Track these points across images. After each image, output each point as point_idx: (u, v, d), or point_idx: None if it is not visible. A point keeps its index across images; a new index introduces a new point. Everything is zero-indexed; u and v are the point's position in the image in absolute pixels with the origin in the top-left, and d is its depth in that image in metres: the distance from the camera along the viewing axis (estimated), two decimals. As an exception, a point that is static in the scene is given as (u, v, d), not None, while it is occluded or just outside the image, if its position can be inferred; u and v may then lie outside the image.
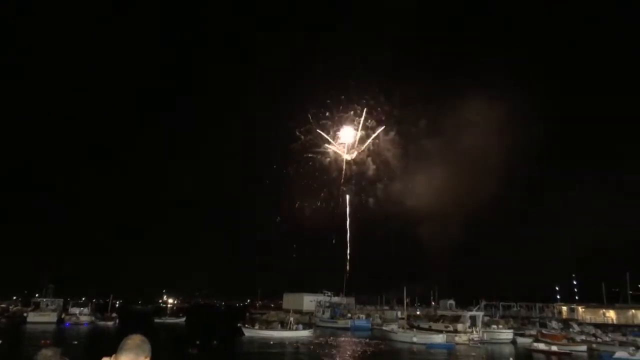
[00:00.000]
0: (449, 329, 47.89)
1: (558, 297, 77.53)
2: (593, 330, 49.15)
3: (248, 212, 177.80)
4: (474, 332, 45.30)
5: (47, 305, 63.52)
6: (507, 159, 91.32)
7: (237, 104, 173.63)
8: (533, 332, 49.34)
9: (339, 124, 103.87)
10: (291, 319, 53.44)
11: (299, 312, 74.82)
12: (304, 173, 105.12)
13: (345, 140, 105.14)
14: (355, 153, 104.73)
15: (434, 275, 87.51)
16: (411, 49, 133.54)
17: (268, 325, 53.96)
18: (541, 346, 40.00)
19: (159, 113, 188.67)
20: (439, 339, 44.23)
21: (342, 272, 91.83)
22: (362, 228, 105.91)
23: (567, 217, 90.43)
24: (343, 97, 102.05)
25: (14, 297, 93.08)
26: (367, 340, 48.35)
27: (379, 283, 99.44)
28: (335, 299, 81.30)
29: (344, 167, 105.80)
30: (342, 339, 49.05)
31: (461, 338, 44.23)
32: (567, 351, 38.88)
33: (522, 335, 48.95)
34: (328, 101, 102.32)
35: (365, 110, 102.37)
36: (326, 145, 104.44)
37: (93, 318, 60.67)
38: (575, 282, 78.46)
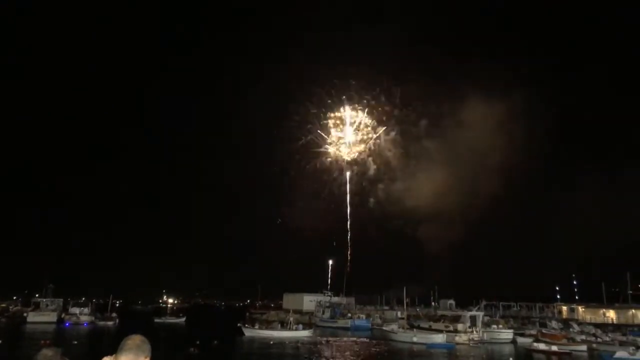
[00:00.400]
0: (449, 329, 47.88)
1: (558, 297, 77.61)
2: (593, 330, 49.10)
3: (248, 212, 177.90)
4: (474, 332, 45.30)
5: (47, 305, 63.54)
6: (507, 159, 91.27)
7: (237, 104, 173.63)
8: (533, 332, 49.30)
9: (339, 123, 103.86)
10: (291, 319, 53.44)
11: (299, 312, 74.81)
12: (305, 173, 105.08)
13: (346, 140, 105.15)
14: (356, 153, 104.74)
15: (434, 275, 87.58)
16: (412, 49, 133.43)
17: (268, 325, 53.99)
18: (541, 346, 39.97)
19: (158, 113, 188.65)
20: (439, 339, 44.21)
21: (342, 272, 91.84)
22: (362, 228, 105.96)
23: (568, 217, 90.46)
24: (344, 97, 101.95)
25: (14, 297, 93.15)
26: (367, 340, 48.36)
27: (379, 283, 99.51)
28: (335, 299, 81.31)
29: (344, 167, 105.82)
30: (342, 339, 49.05)
31: (461, 338, 44.21)
32: (567, 351, 38.87)
33: (522, 335, 48.92)
34: (329, 101, 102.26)
35: (366, 109, 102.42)
36: (326, 146, 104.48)
37: (93, 318, 60.68)
38: (575, 282, 78.53)
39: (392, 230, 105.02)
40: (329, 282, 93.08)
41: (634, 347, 34.14)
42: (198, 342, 35.85)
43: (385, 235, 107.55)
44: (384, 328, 55.90)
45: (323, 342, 44.46)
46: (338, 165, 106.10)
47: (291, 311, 66.36)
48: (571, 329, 50.09)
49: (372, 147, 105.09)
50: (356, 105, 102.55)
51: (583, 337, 44.79)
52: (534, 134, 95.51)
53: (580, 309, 67.95)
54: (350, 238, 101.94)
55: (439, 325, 50.62)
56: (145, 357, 2.53)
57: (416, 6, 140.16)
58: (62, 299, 68.05)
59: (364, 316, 72.09)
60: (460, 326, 47.22)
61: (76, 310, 61.41)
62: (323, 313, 71.39)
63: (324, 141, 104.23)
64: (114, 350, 2.57)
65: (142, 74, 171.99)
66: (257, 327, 50.56)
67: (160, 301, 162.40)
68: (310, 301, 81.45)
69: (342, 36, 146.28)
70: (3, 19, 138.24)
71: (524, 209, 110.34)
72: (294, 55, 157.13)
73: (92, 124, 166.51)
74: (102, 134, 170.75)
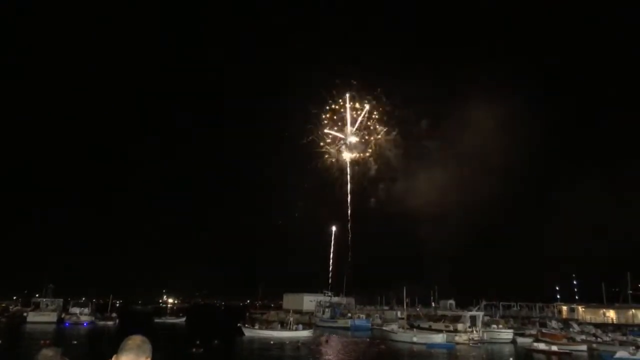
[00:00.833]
0: (449, 329, 47.88)
1: (558, 297, 77.57)
2: (593, 330, 49.12)
3: (248, 212, 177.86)
4: (474, 332, 45.30)
5: (47, 305, 63.52)
6: (507, 159, 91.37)
7: (237, 104, 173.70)
8: (533, 332, 49.31)
9: (341, 123, 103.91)
10: (291, 319, 53.43)
11: (299, 312, 74.80)
12: (306, 173, 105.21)
13: (347, 140, 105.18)
14: (357, 154, 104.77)
15: (434, 275, 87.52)
16: (412, 49, 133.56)
17: (268, 325, 53.99)
18: (541, 346, 39.95)
19: (160, 112, 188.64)
20: (439, 338, 44.21)
21: (343, 272, 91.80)
22: (363, 228, 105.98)
23: (568, 217, 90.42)
24: (346, 96, 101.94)
25: (14, 297, 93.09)
26: (367, 340, 48.35)
27: (379, 283, 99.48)
28: (335, 299, 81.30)
29: (345, 167, 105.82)
30: (342, 339, 49.04)
31: (461, 338, 44.22)
32: (567, 351, 38.86)
33: (522, 335, 48.92)
34: (331, 101, 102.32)
35: (367, 110, 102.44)
36: (327, 147, 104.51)
37: (93, 318, 60.65)
38: (575, 282, 78.45)
39: (393, 230, 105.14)
40: (330, 273, 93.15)
41: (634, 347, 34.12)
42: (198, 342, 35.86)
43: (385, 235, 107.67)
44: (384, 328, 55.90)
45: (323, 342, 44.44)
46: (339, 166, 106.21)
47: (291, 311, 66.34)
48: (571, 329, 50.09)
49: (373, 147, 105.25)
50: (357, 105, 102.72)
51: (583, 337, 44.78)
52: (534, 134, 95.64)
53: (580, 309, 67.96)
54: (351, 238, 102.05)
55: (439, 325, 50.63)
56: (146, 358, 2.52)
57: (417, 6, 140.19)
58: (62, 299, 68.01)
59: (364, 316, 72.08)
60: (460, 326, 47.24)
61: (76, 310, 61.36)
62: (323, 313, 71.38)
63: (325, 141, 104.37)
64: (114, 350, 2.56)
65: (142, 74, 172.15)
66: (257, 327, 50.54)
67: (160, 301, 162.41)
68: (311, 301, 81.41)
69: (343, 36, 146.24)
70: (3, 19, 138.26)
71: (524, 208, 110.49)
72: (294, 55, 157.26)
73: (92, 124, 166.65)
74: (102, 134, 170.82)
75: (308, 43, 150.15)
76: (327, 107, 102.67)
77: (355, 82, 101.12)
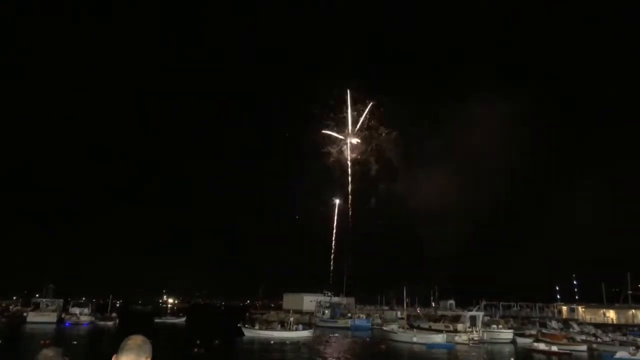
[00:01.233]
0: (449, 329, 47.87)
1: (558, 297, 77.53)
2: (593, 330, 49.12)
3: (248, 212, 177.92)
4: (474, 332, 45.28)
5: (47, 305, 63.44)
6: (508, 160, 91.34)
7: (237, 104, 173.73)
8: (533, 332, 49.31)
9: (342, 123, 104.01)
10: (291, 319, 53.39)
11: (299, 312, 74.80)
12: (306, 173, 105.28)
13: (348, 140, 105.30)
14: (358, 154, 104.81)
15: (434, 275, 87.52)
16: (414, 50, 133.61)
17: (268, 325, 53.93)
18: (541, 346, 39.93)
19: (161, 113, 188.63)
20: (439, 339, 44.20)
21: (343, 272, 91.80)
22: (363, 228, 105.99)
23: (568, 218, 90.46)
24: (347, 97, 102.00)
25: (14, 297, 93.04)
26: (367, 340, 48.35)
27: (379, 283, 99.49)
28: (335, 299, 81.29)
29: (346, 167, 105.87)
30: (342, 339, 49.03)
31: (461, 338, 44.20)
32: (567, 351, 38.84)
33: (522, 335, 48.89)
34: (332, 102, 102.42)
35: (368, 110, 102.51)
36: (328, 147, 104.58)
37: (93, 318, 60.60)
38: (575, 282, 78.43)
39: (393, 230, 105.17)
40: (331, 266, 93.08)
41: (634, 347, 34.08)
42: (198, 342, 35.87)
43: (386, 235, 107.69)
44: (384, 328, 55.89)
45: (323, 342, 44.43)
46: (341, 166, 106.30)
47: (291, 311, 66.38)
48: (571, 329, 50.11)
49: (374, 148, 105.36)
50: (359, 105, 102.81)
51: (583, 337, 44.80)
52: (534, 134, 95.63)
53: (580, 309, 67.94)
54: (351, 238, 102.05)
55: (439, 325, 50.60)
56: (146, 358, 2.52)
57: (418, 6, 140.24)
58: (62, 299, 67.95)
59: (364, 316, 72.10)
60: (460, 326, 47.21)
61: (76, 310, 61.26)
62: (323, 313, 71.38)
63: (326, 141, 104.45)
64: (114, 350, 2.56)
65: (142, 74, 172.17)
66: (257, 327, 50.49)
67: (160, 301, 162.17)
68: (311, 301, 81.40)
69: (344, 36, 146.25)
70: (3, 19, 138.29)
71: (524, 208, 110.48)
72: (295, 55, 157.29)
73: (92, 124, 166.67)
74: (102, 134, 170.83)
75: (308, 43, 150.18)
76: (328, 107, 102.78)
77: (356, 83, 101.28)
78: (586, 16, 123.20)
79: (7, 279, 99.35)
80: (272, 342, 42.56)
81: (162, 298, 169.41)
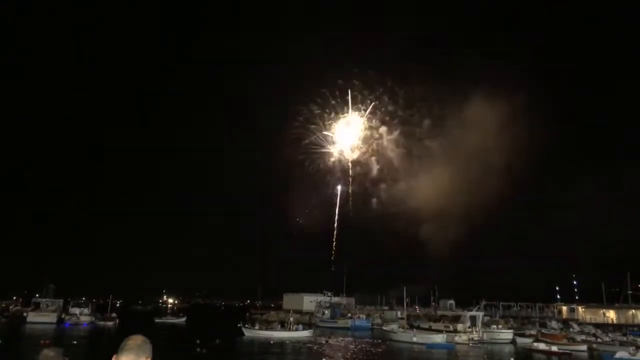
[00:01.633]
0: (449, 329, 47.88)
1: (558, 297, 77.56)
2: (593, 330, 49.16)
3: (249, 212, 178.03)
4: (474, 332, 45.29)
5: (47, 305, 63.46)
6: (508, 159, 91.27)
7: (238, 104, 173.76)
8: (533, 332, 49.34)
9: (343, 123, 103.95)
10: (291, 319, 53.40)
11: (299, 312, 74.80)
12: (308, 173, 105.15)
13: (349, 139, 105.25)
14: (359, 154, 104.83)
15: (434, 275, 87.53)
16: (414, 50, 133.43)
17: (268, 325, 53.95)
18: (541, 346, 39.97)
19: (159, 113, 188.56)
20: (439, 339, 44.23)
21: (343, 272, 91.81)
22: (363, 228, 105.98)
23: (568, 218, 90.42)
24: (347, 97, 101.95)
25: (14, 297, 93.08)
26: (367, 340, 48.35)
27: (379, 283, 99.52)
28: (335, 299, 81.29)
29: (347, 167, 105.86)
30: (342, 339, 49.03)
31: (461, 338, 44.22)
32: (567, 351, 38.86)
33: (522, 335, 48.93)
34: (333, 102, 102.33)
35: (369, 110, 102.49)
36: (329, 146, 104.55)
37: (93, 318, 60.63)
38: (575, 282, 78.47)
39: (393, 230, 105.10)
40: (332, 258, 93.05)
41: (634, 347, 34.10)
42: (198, 342, 35.91)
43: (386, 235, 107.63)
44: (384, 328, 55.91)
45: (323, 342, 44.43)
46: (341, 166, 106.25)
47: (291, 311, 66.36)
48: (571, 329, 50.15)
49: (375, 148, 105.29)
50: (360, 105, 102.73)
51: (583, 337, 44.84)
52: (535, 134, 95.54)
53: (580, 309, 67.95)
54: (351, 238, 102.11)
55: (439, 325, 50.61)
56: (146, 357, 2.52)
57: (418, 6, 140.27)
58: (62, 300, 67.95)
59: (364, 316, 72.13)
60: (460, 326, 47.21)
61: (76, 310, 61.29)
62: (323, 313, 71.39)
63: (327, 141, 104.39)
64: (114, 350, 2.56)
65: (142, 74, 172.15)
66: (257, 327, 50.51)
67: (160, 301, 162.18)
68: (311, 301, 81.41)
69: (345, 36, 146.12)
70: (3, 19, 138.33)
71: (525, 209, 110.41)
72: (296, 55, 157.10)
73: (92, 124, 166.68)
74: (103, 134, 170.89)
75: (309, 43, 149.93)
76: (330, 108, 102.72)
77: (357, 82, 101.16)
78: (586, 16, 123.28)
79: (7, 279, 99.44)
80: (271, 342, 42.58)
81: (162, 298, 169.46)
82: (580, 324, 56.27)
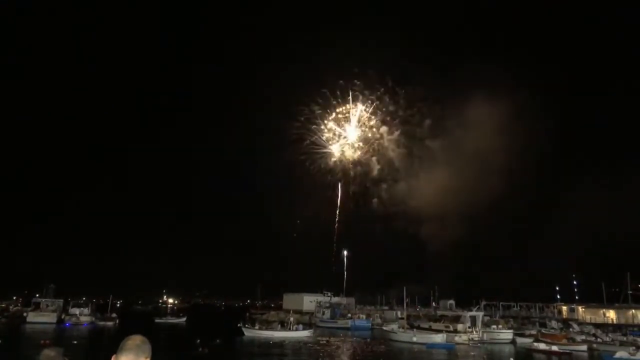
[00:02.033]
0: (449, 329, 47.89)
1: (558, 297, 77.53)
2: (593, 330, 49.14)
3: (249, 212, 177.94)
4: (474, 332, 45.30)
5: (47, 305, 63.47)
6: (509, 159, 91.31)
7: (238, 104, 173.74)
8: (533, 332, 49.32)
9: (344, 123, 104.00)
10: (291, 319, 53.43)
11: (299, 312, 74.81)
12: (309, 173, 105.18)
13: (350, 140, 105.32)
14: (360, 153, 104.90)
15: (434, 275, 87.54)
16: (415, 50, 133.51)
17: (268, 325, 53.98)
18: (541, 346, 39.98)
19: (159, 114, 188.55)
20: (439, 339, 44.24)
21: (343, 272, 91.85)
22: (363, 228, 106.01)
23: (568, 218, 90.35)
24: (349, 97, 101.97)
25: (14, 297, 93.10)
26: (367, 340, 48.34)
27: (379, 283, 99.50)
28: (335, 299, 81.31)
29: (347, 167, 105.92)
30: (342, 339, 49.03)
31: (461, 338, 44.22)
32: (568, 351, 38.87)
33: (522, 335, 48.92)
34: (335, 102, 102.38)
35: (370, 110, 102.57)
36: (330, 146, 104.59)
37: (93, 318, 60.65)
38: (575, 282, 78.44)
39: (393, 230, 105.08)
40: (333, 258, 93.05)
41: (634, 347, 34.13)
42: (199, 342, 35.93)
43: (386, 235, 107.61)
44: (384, 328, 55.92)
45: (323, 342, 44.43)
46: (342, 166, 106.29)
47: (291, 311, 66.39)
48: (571, 329, 50.14)
49: (376, 147, 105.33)
50: (360, 105, 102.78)
51: (583, 337, 44.82)
52: (535, 134, 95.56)
53: (580, 309, 67.91)
54: (351, 238, 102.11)
55: (439, 325, 50.62)
56: (146, 358, 2.52)
57: (419, 7, 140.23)
58: (62, 300, 67.96)
59: (364, 316, 72.14)
60: (460, 326, 47.21)
61: (76, 310, 61.30)
62: (323, 313, 71.39)
63: (328, 141, 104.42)
64: (114, 350, 2.57)
65: (142, 74, 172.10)
66: (257, 327, 50.54)
67: (160, 301, 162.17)
68: (310, 301, 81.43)
69: (346, 37, 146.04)
70: (3, 19, 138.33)
71: (525, 209, 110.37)
72: (297, 55, 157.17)
73: (92, 124, 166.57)
74: (102, 134, 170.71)
75: (309, 42, 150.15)
76: (331, 108, 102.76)
77: (358, 82, 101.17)
78: (586, 16, 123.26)
79: (7, 279, 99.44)
80: (271, 342, 42.58)
81: (162, 298, 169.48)
82: (580, 324, 56.26)
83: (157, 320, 70.06)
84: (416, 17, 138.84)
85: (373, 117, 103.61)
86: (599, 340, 43.18)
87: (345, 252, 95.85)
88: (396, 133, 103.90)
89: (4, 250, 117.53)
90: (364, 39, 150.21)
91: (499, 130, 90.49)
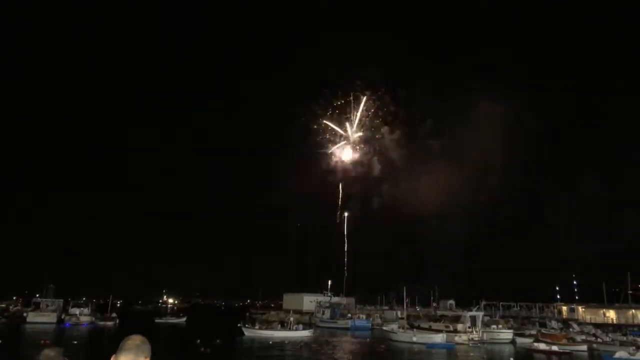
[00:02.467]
0: (449, 329, 47.86)
1: (558, 297, 77.48)
2: (593, 330, 49.11)
3: (249, 212, 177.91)
4: (474, 332, 45.27)
5: (47, 305, 63.46)
6: (508, 160, 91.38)
7: (239, 104, 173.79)
8: (533, 332, 49.28)
9: (345, 123, 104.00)
10: (291, 319, 53.42)
11: (299, 312, 74.78)
12: (307, 172, 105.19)
13: (351, 141, 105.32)
14: (360, 152, 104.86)
15: (434, 275, 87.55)
16: (416, 50, 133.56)
17: (268, 325, 53.98)
18: (541, 346, 39.95)
19: (160, 113, 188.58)
20: (439, 339, 44.21)
21: (343, 272, 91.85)
22: (363, 228, 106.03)
23: (568, 218, 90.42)
24: (350, 97, 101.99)
25: (14, 297, 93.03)
26: (367, 340, 48.33)
27: (379, 283, 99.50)
28: (335, 299, 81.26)
29: (349, 167, 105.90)
30: (342, 339, 49.02)
31: (461, 338, 44.19)
32: (568, 351, 38.85)
33: (522, 335, 48.87)
34: (337, 103, 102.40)
35: (371, 110, 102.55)
36: (331, 146, 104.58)
37: (93, 318, 60.62)
38: (575, 282, 78.39)
39: (394, 229, 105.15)
40: (333, 259, 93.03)
41: (634, 347, 34.09)
42: (199, 342, 35.91)
43: (387, 235, 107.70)
44: (384, 328, 55.89)
45: (323, 342, 44.42)
46: (343, 166, 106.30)
47: (291, 311, 66.36)
48: (571, 329, 50.09)
49: (377, 147, 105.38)
50: (361, 105, 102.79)
51: (583, 337, 44.77)
52: (534, 135, 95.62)
53: (580, 309, 67.87)
54: (351, 238, 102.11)
55: (439, 325, 50.59)
56: (145, 358, 2.52)
57: (420, 7, 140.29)
58: (62, 300, 67.93)
59: (364, 316, 72.11)
60: (460, 326, 47.18)
61: (76, 310, 61.26)
62: (323, 313, 71.36)
63: (329, 141, 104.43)
64: (114, 350, 2.57)
65: (142, 74, 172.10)
66: (257, 327, 50.53)
67: (160, 301, 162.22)
68: (310, 301, 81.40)
69: (346, 37, 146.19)
70: (3, 19, 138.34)
71: (525, 209, 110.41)
72: (298, 56, 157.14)
73: (92, 124, 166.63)
74: (102, 134, 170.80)
75: (310, 42, 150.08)
76: (331, 108, 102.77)
77: (359, 83, 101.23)
78: (586, 16, 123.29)
79: (7, 279, 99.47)
80: (271, 342, 42.57)
81: (162, 298, 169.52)
82: (580, 324, 56.21)
83: (157, 320, 70.03)
84: (416, 17, 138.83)
85: (374, 117, 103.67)
86: (599, 340, 43.14)
87: (345, 252, 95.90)
88: (397, 133, 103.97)
89: (4, 250, 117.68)
90: (366, 39, 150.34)
91: (500, 130, 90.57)
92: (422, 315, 66.51)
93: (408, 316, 63.25)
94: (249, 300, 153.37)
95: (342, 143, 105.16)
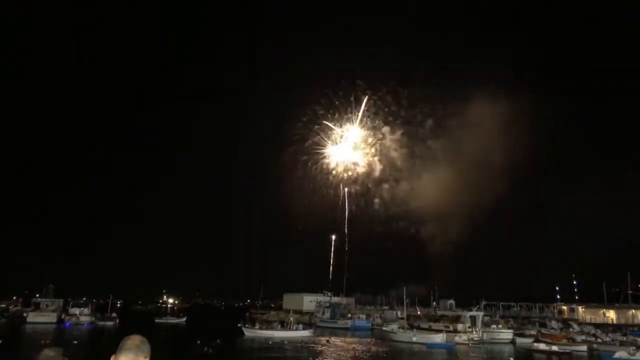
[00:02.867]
0: (449, 329, 47.85)
1: (558, 297, 77.54)
2: (593, 330, 49.12)
3: (249, 212, 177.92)
4: (474, 332, 45.26)
5: (47, 305, 63.49)
6: (510, 160, 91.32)
7: (239, 104, 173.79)
8: (533, 332, 49.28)
9: (346, 123, 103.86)
10: (291, 319, 53.44)
11: (299, 312, 74.80)
12: (308, 173, 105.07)
13: (352, 140, 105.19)
14: (361, 153, 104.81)
15: (434, 275, 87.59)
16: (417, 50, 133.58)
17: (268, 325, 53.99)
18: (541, 346, 39.93)
19: (158, 113, 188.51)
20: (439, 339, 44.20)
21: (343, 272, 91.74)
22: (363, 228, 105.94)
23: (568, 218, 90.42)
24: (351, 98, 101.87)
25: (14, 297, 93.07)
26: (367, 340, 48.32)
27: (379, 283, 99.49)
28: (335, 299, 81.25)
29: (349, 167, 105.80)
30: (342, 339, 49.02)
31: (461, 338, 44.18)
32: (568, 351, 38.83)
33: (522, 335, 48.89)
34: (337, 103, 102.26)
35: (372, 110, 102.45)
36: (332, 146, 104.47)
37: (93, 318, 60.61)
38: (575, 282, 78.43)
39: (395, 229, 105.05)
40: (331, 266, 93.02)
41: (634, 347, 34.07)
42: (199, 342, 35.91)
43: (387, 235, 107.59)
44: (384, 328, 55.87)
45: (323, 342, 44.41)
46: (344, 166, 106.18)
47: (291, 311, 66.37)
48: (571, 329, 50.10)
49: (378, 148, 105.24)
50: (362, 106, 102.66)
51: (583, 337, 44.79)
52: (534, 135, 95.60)
53: (580, 309, 67.89)
54: (351, 238, 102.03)
55: (439, 326, 50.59)
56: (145, 357, 2.53)
57: (420, 7, 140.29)
58: (62, 300, 67.94)
59: (364, 316, 72.11)
60: (460, 326, 47.17)
61: (76, 310, 61.26)
62: (323, 313, 71.36)
63: (331, 142, 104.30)
64: (114, 350, 2.57)
65: (142, 74, 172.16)
66: (257, 327, 50.54)
67: (161, 301, 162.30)
68: (310, 301, 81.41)
69: (347, 37, 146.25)
70: (3, 19, 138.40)
71: (525, 209, 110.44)
72: (298, 55, 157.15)
73: (92, 124, 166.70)
74: (102, 133, 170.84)
75: (310, 42, 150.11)
76: (332, 108, 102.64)
77: (360, 83, 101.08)
78: (586, 16, 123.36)
79: (7, 279, 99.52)
80: (271, 342, 42.57)
81: (162, 298, 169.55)
82: (580, 324, 56.22)
83: (157, 320, 70.04)
84: (417, 17, 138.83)
85: (375, 117, 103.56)
86: (599, 340, 43.16)
87: (346, 252, 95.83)
88: (398, 133, 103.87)
89: (4, 250, 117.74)
90: (366, 39, 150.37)
91: (500, 131, 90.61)
92: (422, 315, 66.53)
93: (408, 316, 63.26)
94: (248, 300, 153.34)
95: (342, 143, 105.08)
